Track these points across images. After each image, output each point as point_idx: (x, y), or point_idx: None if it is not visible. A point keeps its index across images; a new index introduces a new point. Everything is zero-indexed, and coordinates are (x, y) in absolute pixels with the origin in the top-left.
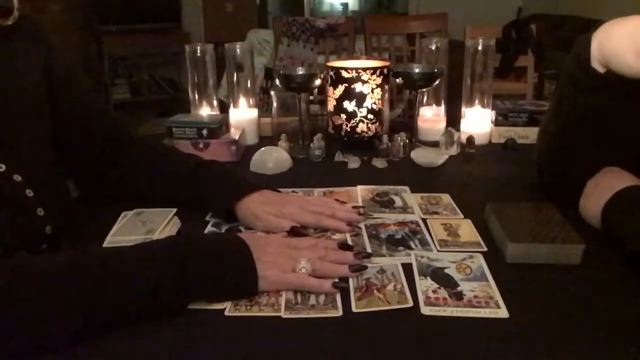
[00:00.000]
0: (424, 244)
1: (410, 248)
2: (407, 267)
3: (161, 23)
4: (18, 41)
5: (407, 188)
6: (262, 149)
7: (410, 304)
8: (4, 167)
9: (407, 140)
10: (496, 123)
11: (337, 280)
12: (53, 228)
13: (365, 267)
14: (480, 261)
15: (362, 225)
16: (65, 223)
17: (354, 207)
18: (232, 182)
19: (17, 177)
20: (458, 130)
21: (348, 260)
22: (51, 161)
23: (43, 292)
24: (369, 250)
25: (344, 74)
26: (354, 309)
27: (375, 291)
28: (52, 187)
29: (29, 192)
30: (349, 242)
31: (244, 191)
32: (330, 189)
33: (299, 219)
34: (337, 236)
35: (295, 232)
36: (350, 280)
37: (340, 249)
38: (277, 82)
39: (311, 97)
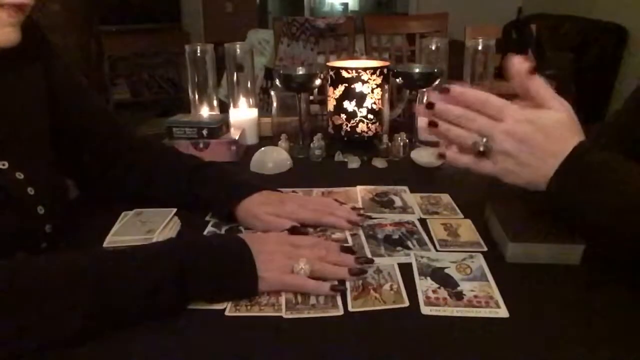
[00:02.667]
0: (421, 244)
1: (409, 248)
2: (407, 267)
3: (161, 23)
4: (21, 46)
5: (406, 188)
6: (262, 149)
7: (406, 303)
8: (6, 165)
9: (407, 140)
10: None
11: (336, 282)
12: (53, 227)
13: (365, 272)
14: (480, 261)
15: (360, 225)
16: (65, 223)
17: (353, 209)
18: (232, 183)
19: (19, 175)
20: None
21: (348, 263)
22: (51, 160)
23: (43, 292)
24: (367, 250)
25: (344, 74)
26: (349, 309)
27: (371, 291)
28: (53, 186)
29: (30, 191)
30: (349, 241)
31: (243, 193)
32: (329, 189)
33: (299, 217)
34: (337, 236)
35: (296, 231)
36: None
37: (342, 252)
38: (277, 82)
39: (311, 97)
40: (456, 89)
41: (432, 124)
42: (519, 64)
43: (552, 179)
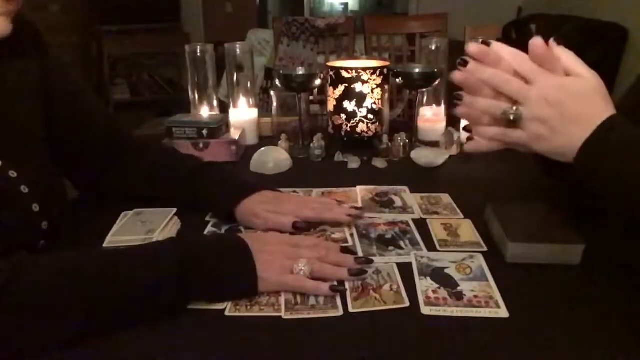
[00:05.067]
0: (413, 243)
1: (401, 248)
2: (407, 267)
3: (161, 23)
4: (16, 42)
5: (406, 188)
6: (262, 149)
7: (407, 304)
8: (0, 163)
9: (407, 140)
10: None
11: (335, 283)
12: (49, 224)
13: (365, 272)
14: (480, 261)
15: (361, 217)
16: (65, 223)
17: (352, 208)
18: (231, 184)
19: (13, 174)
20: (458, 130)
21: (348, 264)
22: (46, 159)
23: (43, 292)
24: (359, 250)
25: (344, 74)
26: (350, 310)
27: (371, 291)
28: (48, 183)
29: (24, 189)
30: (349, 240)
31: (243, 193)
32: (329, 189)
33: (299, 214)
34: (337, 236)
35: (297, 227)
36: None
37: (342, 253)
38: (277, 82)
39: (311, 97)
40: (497, 43)
41: (457, 97)
42: (533, 45)
43: (580, 150)
